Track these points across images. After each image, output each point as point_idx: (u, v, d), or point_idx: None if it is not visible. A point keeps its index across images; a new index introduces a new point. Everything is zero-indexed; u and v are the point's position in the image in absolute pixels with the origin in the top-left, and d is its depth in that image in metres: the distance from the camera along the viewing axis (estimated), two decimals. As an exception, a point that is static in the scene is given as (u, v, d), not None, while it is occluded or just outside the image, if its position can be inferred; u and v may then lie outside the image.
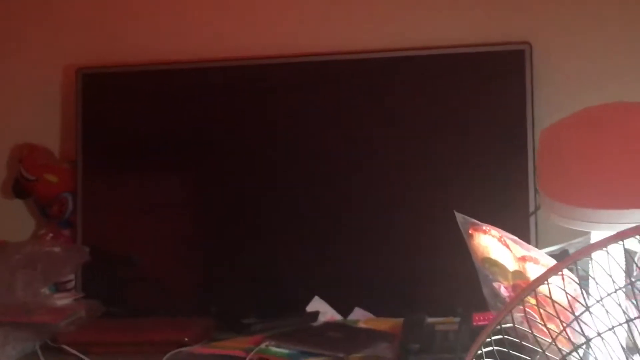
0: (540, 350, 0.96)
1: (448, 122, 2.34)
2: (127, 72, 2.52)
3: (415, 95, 2.37)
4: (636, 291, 0.97)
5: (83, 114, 2.50)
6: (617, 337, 0.95)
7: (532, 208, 2.21)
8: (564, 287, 0.93)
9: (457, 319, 1.91)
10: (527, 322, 0.95)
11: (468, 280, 1.61)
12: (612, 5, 2.33)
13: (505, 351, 1.00)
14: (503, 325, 0.97)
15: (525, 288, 0.93)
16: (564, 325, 0.93)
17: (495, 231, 1.35)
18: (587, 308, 0.91)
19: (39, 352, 2.06)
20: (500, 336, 0.97)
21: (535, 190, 2.21)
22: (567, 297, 0.93)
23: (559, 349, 0.94)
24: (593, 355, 1.01)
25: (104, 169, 2.52)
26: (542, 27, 2.35)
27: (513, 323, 0.95)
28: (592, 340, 0.98)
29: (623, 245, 0.90)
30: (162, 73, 2.51)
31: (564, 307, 0.95)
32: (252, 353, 1.96)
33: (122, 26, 2.58)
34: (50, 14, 2.62)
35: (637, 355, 1.02)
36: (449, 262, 2.23)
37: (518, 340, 0.98)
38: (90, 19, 2.60)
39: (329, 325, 2.20)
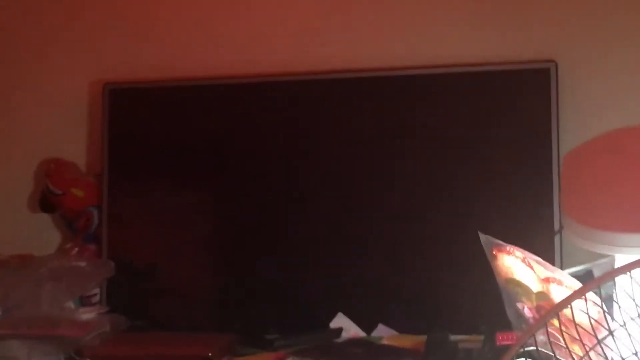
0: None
1: (473, 141, 2.34)
2: (153, 88, 2.54)
3: (440, 113, 2.37)
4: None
5: (109, 128, 2.52)
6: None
7: (557, 227, 2.20)
8: (587, 310, 0.93)
9: (481, 337, 1.90)
10: (551, 345, 0.95)
11: (492, 298, 1.61)
12: (638, 23, 2.33)
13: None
14: (526, 349, 0.97)
15: (549, 311, 0.93)
16: (587, 348, 0.93)
17: (519, 252, 1.35)
18: (611, 332, 0.91)
19: (64, 366, 2.07)
20: (524, 359, 0.97)
21: (561, 209, 2.20)
22: (590, 320, 0.93)
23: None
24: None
25: (129, 184, 2.53)
26: (568, 45, 2.34)
27: (536, 346, 0.94)
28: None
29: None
30: (187, 88, 2.52)
31: (587, 331, 0.95)
32: (275, 369, 1.97)
33: (148, 41, 2.60)
34: (76, 30, 2.64)
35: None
36: (473, 279, 2.23)
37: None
38: (116, 34, 2.61)
39: (352, 341, 2.20)
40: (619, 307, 0.98)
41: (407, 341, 2.16)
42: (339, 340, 2.21)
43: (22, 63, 2.68)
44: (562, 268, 1.98)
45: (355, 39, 2.49)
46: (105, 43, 2.62)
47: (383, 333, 2.28)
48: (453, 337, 2.04)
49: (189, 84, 2.52)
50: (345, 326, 2.27)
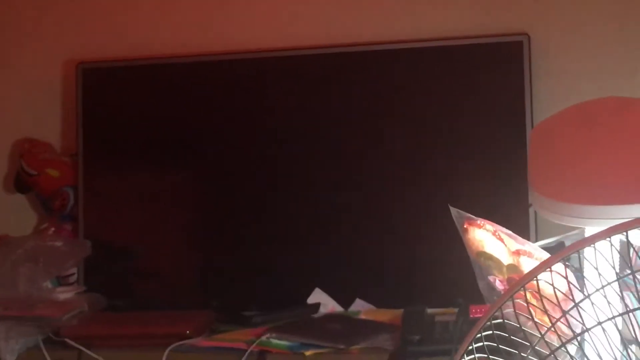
0: (531, 345, 0.97)
1: (446, 114, 2.34)
2: (127, 66, 2.53)
3: (413, 87, 2.38)
4: (637, 282, 0.98)
5: (83, 108, 2.51)
6: (604, 332, 0.95)
7: (531, 200, 2.21)
8: (552, 282, 0.94)
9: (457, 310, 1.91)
10: (517, 317, 0.96)
11: (469, 272, 1.62)
12: (610, -4, 2.34)
13: (496, 345, 1.01)
14: (494, 321, 0.98)
15: (515, 284, 0.94)
16: (554, 319, 0.94)
17: (489, 225, 1.35)
18: (576, 304, 0.92)
19: (42, 346, 2.08)
20: (491, 332, 0.98)
21: (528, 182, 2.21)
22: (555, 292, 0.94)
23: (548, 344, 0.95)
24: (590, 346, 1.02)
25: (104, 163, 2.53)
26: (541, 18, 2.35)
27: (503, 318, 0.95)
28: (588, 333, 0.99)
29: (627, 237, 0.90)
30: (162, 67, 2.52)
31: (553, 303, 0.96)
32: (253, 345, 1.98)
33: (122, 20, 2.59)
34: (50, 9, 2.63)
35: (635, 346, 1.03)
36: (449, 253, 2.24)
37: (507, 335, 0.99)
38: (90, 13, 2.60)
39: (330, 316, 2.21)
40: (584, 278, 1.00)
41: (384, 315, 2.17)
42: (316, 315, 2.22)
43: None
44: (537, 240, 2.00)
45: (325, 15, 2.48)
46: (78, 22, 2.61)
47: (360, 308, 2.29)
48: (430, 311, 2.05)
49: (163, 62, 2.52)
50: (323, 301, 2.28)
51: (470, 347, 0.96)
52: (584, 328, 0.93)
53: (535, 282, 0.94)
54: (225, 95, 2.48)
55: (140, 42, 2.55)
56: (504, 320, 0.95)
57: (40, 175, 2.52)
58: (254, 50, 2.47)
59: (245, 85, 2.47)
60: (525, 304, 0.98)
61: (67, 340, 2.07)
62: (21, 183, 2.56)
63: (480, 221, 1.37)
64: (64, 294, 2.24)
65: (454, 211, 1.37)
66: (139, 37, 2.56)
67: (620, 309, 1.01)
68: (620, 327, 1.04)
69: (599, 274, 0.94)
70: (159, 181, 2.51)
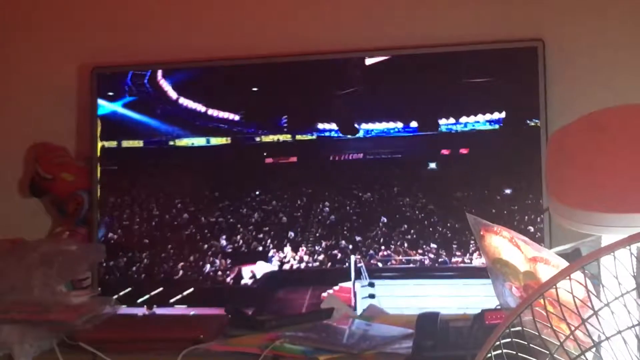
0: (549, 353, 0.96)
1: (462, 120, 2.34)
2: (141, 71, 2.54)
3: (428, 92, 2.38)
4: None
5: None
6: (624, 340, 0.95)
7: (545, 206, 2.21)
8: (572, 290, 0.94)
9: (471, 316, 1.91)
10: (536, 325, 0.96)
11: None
12: (625, 2, 2.33)
13: (515, 353, 1.01)
14: (512, 329, 0.97)
15: (534, 291, 0.94)
16: (572, 328, 0.93)
17: (506, 232, 1.35)
18: (595, 312, 0.92)
19: (57, 350, 2.07)
20: (510, 339, 0.97)
21: (546, 190, 2.21)
22: (574, 300, 0.94)
23: (567, 352, 0.94)
24: (609, 355, 1.02)
25: (119, 167, 2.53)
26: (555, 24, 2.35)
27: (522, 326, 0.95)
28: (604, 343, 0.99)
29: (630, 249, 0.90)
30: (174, 72, 2.52)
31: (571, 310, 0.96)
32: (267, 350, 1.97)
33: (136, 26, 2.60)
34: (65, 14, 2.64)
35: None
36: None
37: (526, 343, 0.98)
38: (104, 18, 2.61)
39: (343, 321, 2.20)
40: (602, 286, 0.99)
41: (398, 320, 2.16)
42: (330, 320, 2.22)
43: (10, 48, 2.68)
44: (550, 246, 2.00)
45: (341, 21, 2.48)
46: (93, 27, 2.62)
47: (374, 313, 2.29)
48: (444, 316, 2.05)
49: (176, 66, 2.52)
50: (336, 307, 2.28)
51: (489, 355, 0.96)
52: (603, 337, 0.93)
53: (554, 290, 0.94)
54: (238, 101, 2.49)
55: (154, 47, 2.56)
56: (522, 328, 0.95)
57: (55, 179, 2.53)
58: (271, 55, 2.48)
59: (262, 88, 2.48)
60: (544, 312, 0.97)
61: (82, 344, 2.07)
62: (36, 187, 2.57)
63: (496, 228, 1.37)
64: (78, 297, 2.23)
65: (470, 218, 1.37)
66: (153, 42, 2.57)
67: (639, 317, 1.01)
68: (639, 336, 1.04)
69: (619, 283, 0.93)
70: (173, 185, 2.51)
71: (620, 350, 1.00)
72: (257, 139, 2.47)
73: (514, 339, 0.96)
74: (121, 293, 2.44)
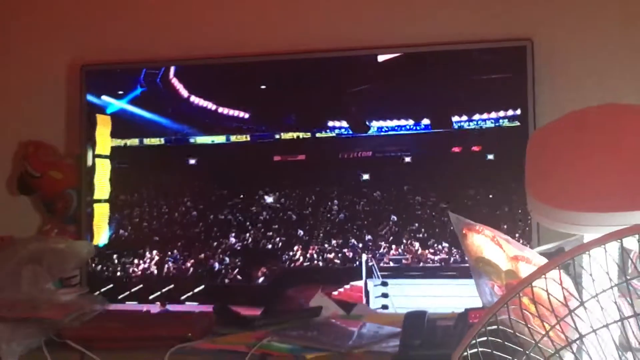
0: (526, 351, 0.97)
1: (449, 118, 2.34)
2: (130, 69, 2.54)
3: (417, 90, 2.38)
4: (631, 289, 0.98)
5: (87, 110, 2.52)
6: (597, 338, 0.95)
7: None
8: (547, 289, 0.94)
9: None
10: (512, 323, 0.96)
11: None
12: (613, 3, 2.33)
13: (490, 351, 1.01)
14: (488, 328, 0.97)
15: (510, 290, 0.94)
16: (548, 327, 0.93)
17: (488, 231, 1.35)
18: (571, 311, 0.92)
19: (44, 348, 2.07)
20: (485, 338, 0.98)
21: (525, 189, 2.21)
22: (549, 299, 0.94)
23: (542, 350, 0.95)
24: (586, 353, 1.02)
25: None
26: (544, 23, 2.35)
27: (497, 325, 0.95)
28: (584, 340, 0.99)
29: (621, 244, 0.90)
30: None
31: (549, 310, 0.96)
32: (254, 348, 1.97)
33: (125, 23, 2.60)
34: (53, 11, 2.64)
35: (630, 353, 1.03)
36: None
37: (501, 341, 0.99)
38: (93, 16, 2.62)
39: (332, 320, 2.20)
40: (581, 285, 0.99)
41: (386, 319, 2.16)
42: (318, 319, 2.22)
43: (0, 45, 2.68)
44: (539, 245, 1.99)
45: (334, 19, 2.49)
46: (82, 25, 2.62)
47: (362, 311, 2.29)
48: (431, 315, 2.05)
49: (165, 65, 2.52)
50: (325, 305, 2.28)
51: (465, 353, 0.96)
52: (579, 334, 0.93)
53: (531, 288, 0.94)
54: (228, 97, 2.49)
55: (144, 45, 2.56)
56: (498, 327, 0.95)
57: (44, 177, 2.53)
58: (260, 54, 2.48)
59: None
60: (521, 311, 0.98)
61: (69, 342, 2.07)
62: (25, 185, 2.57)
63: (479, 227, 1.37)
64: (67, 295, 2.24)
65: (452, 217, 1.37)
66: (143, 40, 2.57)
67: (618, 316, 1.01)
68: (618, 334, 1.04)
69: (593, 281, 0.93)
70: (163, 183, 2.51)
71: (596, 349, 1.00)
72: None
73: (489, 338, 0.97)
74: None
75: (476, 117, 2.33)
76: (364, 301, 2.34)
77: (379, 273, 2.34)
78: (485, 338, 0.96)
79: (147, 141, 2.52)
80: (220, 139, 2.49)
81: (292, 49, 2.46)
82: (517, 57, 2.29)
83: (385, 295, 2.32)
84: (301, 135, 2.43)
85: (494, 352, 0.96)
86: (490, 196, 2.28)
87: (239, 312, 2.25)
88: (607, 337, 1.00)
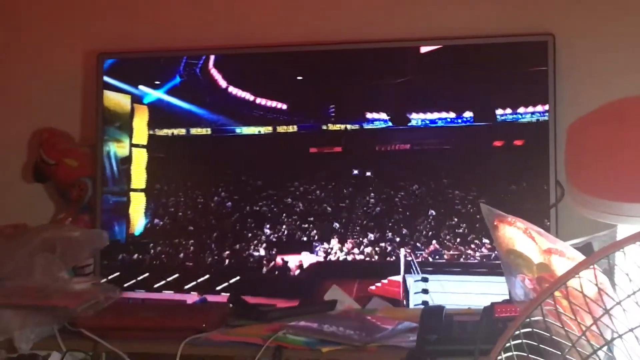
0: (567, 345, 0.95)
1: (472, 112, 2.34)
2: (146, 57, 2.53)
3: (438, 85, 2.37)
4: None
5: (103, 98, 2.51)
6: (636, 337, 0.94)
7: (552, 200, 2.21)
8: (582, 289, 0.92)
9: (475, 310, 1.90)
10: (550, 317, 0.94)
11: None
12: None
13: (531, 345, 0.99)
14: (528, 320, 0.96)
15: (553, 283, 0.92)
16: (588, 324, 0.92)
17: (520, 223, 1.34)
18: (606, 311, 0.90)
19: (58, 336, 2.06)
20: (530, 329, 0.96)
21: (556, 182, 2.20)
22: (584, 296, 0.92)
23: (579, 352, 0.93)
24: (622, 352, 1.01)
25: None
26: (565, 18, 2.34)
27: (543, 317, 0.94)
28: (617, 340, 0.97)
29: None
30: (179, 59, 2.51)
31: (583, 309, 0.94)
32: (269, 340, 1.96)
33: (142, 11, 2.59)
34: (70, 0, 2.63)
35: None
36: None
37: (547, 334, 0.97)
38: (110, 3, 2.61)
39: (347, 313, 2.19)
40: (615, 285, 0.98)
41: (402, 314, 2.16)
42: (333, 312, 2.21)
43: (16, 33, 2.67)
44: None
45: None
46: (99, 13, 2.62)
47: (377, 305, 2.28)
48: (448, 310, 2.04)
49: (182, 54, 2.51)
50: (340, 298, 2.27)
51: (508, 345, 0.94)
52: (616, 334, 0.91)
53: (574, 282, 0.92)
54: (244, 88, 2.47)
55: (161, 34, 2.55)
56: (543, 319, 0.93)
57: (59, 165, 2.52)
58: (276, 45, 2.47)
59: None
60: (555, 309, 0.96)
61: (83, 330, 2.06)
62: (40, 172, 2.56)
63: (511, 218, 1.35)
64: (80, 284, 2.23)
65: (484, 208, 1.36)
66: (159, 28, 2.56)
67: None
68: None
69: (630, 279, 0.92)
70: (177, 172, 2.51)
71: (633, 348, 0.98)
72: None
73: (534, 329, 0.95)
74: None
75: (495, 112, 2.31)
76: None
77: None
78: (520, 341, 0.94)
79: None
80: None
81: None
82: (538, 52, 2.27)
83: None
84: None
85: (530, 355, 0.94)
86: (508, 191, 2.27)
87: (253, 304, 2.24)
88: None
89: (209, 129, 2.50)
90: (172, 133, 2.52)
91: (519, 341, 0.95)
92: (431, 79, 2.38)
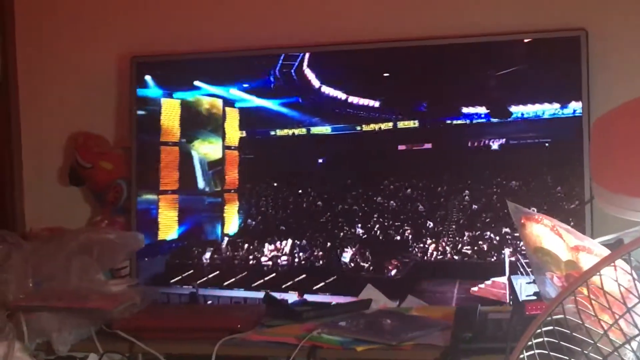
0: (591, 342, 0.94)
1: (506, 109, 2.32)
2: (179, 60, 2.54)
3: (472, 81, 2.37)
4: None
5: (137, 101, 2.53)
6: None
7: (587, 197, 2.19)
8: (617, 278, 0.91)
9: (509, 308, 1.89)
10: (579, 313, 0.94)
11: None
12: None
13: (555, 342, 0.98)
14: (554, 317, 0.95)
15: (577, 279, 0.92)
16: (616, 317, 0.91)
17: (547, 220, 1.33)
18: (629, 309, 0.89)
19: (95, 338, 2.08)
20: (551, 327, 0.95)
21: (591, 178, 2.18)
22: (619, 288, 0.91)
23: (611, 341, 0.92)
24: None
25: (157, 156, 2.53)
26: (598, 14, 2.32)
27: (564, 314, 0.93)
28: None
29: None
30: (213, 60, 2.52)
31: (616, 299, 0.94)
32: (304, 340, 1.96)
33: (175, 14, 2.60)
34: (105, 3, 2.65)
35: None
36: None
37: (569, 332, 0.96)
38: (144, 7, 2.62)
39: (382, 312, 2.19)
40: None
41: (436, 312, 2.15)
42: (368, 311, 2.21)
43: (50, 37, 2.69)
44: (592, 237, 1.96)
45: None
46: (132, 16, 2.62)
47: (412, 304, 2.27)
48: (482, 308, 2.03)
49: (214, 56, 2.52)
50: (375, 297, 2.27)
51: (530, 343, 0.94)
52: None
53: (599, 277, 0.92)
54: (276, 90, 2.49)
55: (193, 36, 2.56)
56: (565, 317, 0.93)
57: (94, 168, 2.54)
58: (303, 45, 2.48)
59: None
60: (588, 300, 0.95)
61: (119, 332, 2.08)
62: (75, 176, 2.58)
63: (538, 216, 1.34)
64: (117, 286, 2.24)
65: (511, 205, 1.35)
66: (192, 31, 2.57)
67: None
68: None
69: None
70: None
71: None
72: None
73: (555, 327, 0.94)
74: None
75: (528, 108, 2.30)
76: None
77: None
78: (550, 327, 0.94)
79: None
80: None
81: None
82: (571, 48, 2.25)
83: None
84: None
85: (551, 353, 0.93)
86: (543, 187, 2.25)
87: (288, 303, 2.25)
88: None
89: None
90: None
91: (542, 339, 0.94)
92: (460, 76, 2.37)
